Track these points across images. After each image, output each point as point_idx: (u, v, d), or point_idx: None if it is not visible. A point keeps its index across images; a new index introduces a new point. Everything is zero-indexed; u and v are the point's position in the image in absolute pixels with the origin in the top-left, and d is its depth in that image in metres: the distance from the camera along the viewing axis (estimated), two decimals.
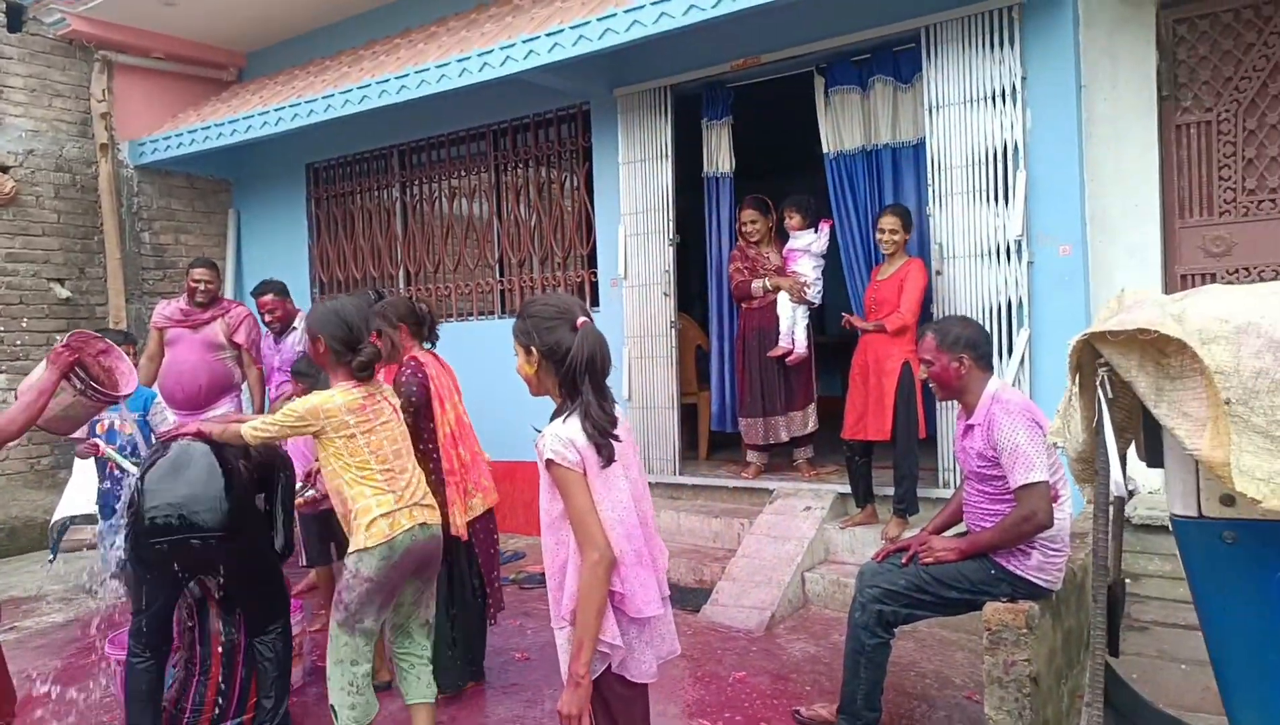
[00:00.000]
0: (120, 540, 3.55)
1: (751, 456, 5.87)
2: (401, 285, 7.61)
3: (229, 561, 3.46)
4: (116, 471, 4.39)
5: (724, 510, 5.67)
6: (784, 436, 5.68)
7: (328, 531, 4.40)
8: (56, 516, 5.72)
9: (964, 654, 4.14)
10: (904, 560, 3.31)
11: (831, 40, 5.33)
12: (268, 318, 5.73)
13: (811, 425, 5.71)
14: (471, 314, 7.18)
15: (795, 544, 4.95)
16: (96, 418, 4.68)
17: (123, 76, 7.77)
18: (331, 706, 3.04)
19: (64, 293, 7.47)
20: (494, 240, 7.08)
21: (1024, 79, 4.73)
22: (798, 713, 3.58)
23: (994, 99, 4.80)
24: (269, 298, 5.65)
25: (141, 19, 7.44)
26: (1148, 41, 4.62)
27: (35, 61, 7.34)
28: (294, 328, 5.76)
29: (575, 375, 2.25)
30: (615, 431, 2.27)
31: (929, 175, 5.01)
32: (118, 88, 7.74)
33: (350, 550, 3.03)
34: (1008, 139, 4.77)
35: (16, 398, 3.25)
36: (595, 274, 6.48)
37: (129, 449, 4.58)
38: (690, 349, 6.74)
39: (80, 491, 5.60)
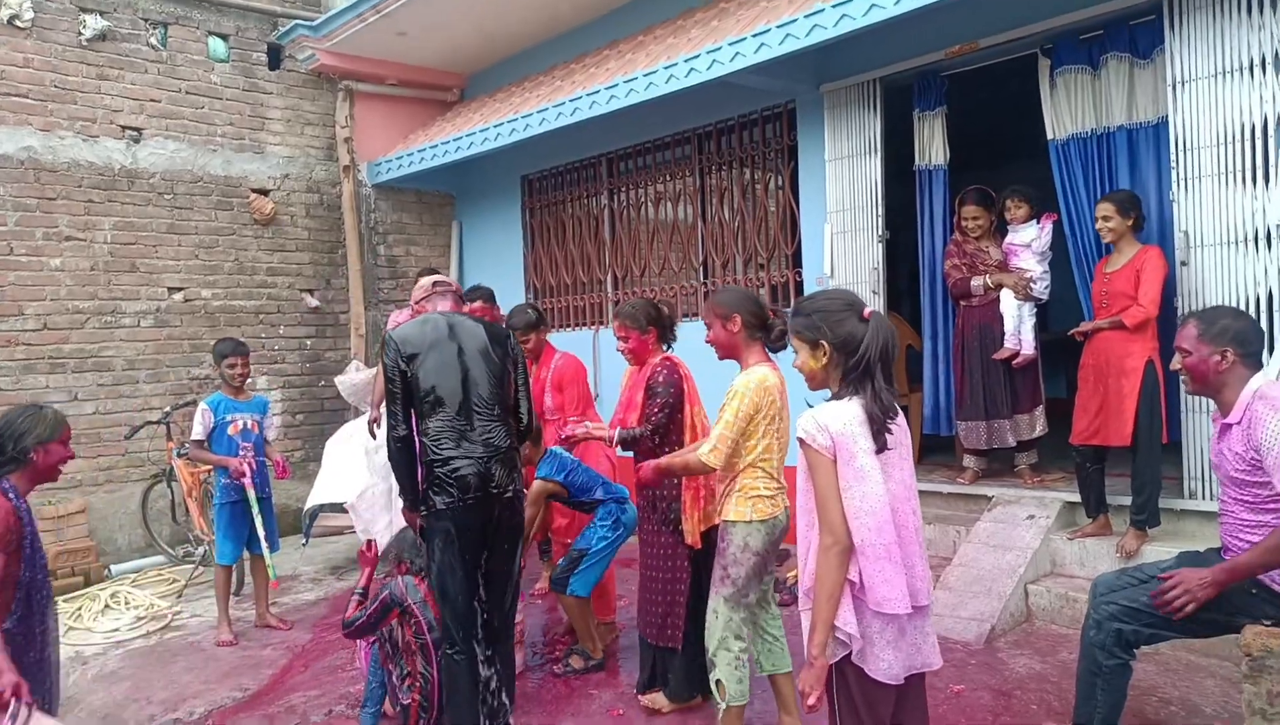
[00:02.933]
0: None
1: (968, 461, 5.60)
2: (609, 289, 7.85)
3: (512, 527, 3.60)
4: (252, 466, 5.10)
5: (937, 517, 5.43)
6: (1010, 441, 5.38)
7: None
8: (308, 504, 6.33)
9: (1215, 681, 3.76)
10: (1156, 604, 2.95)
11: (1057, 19, 5.00)
12: None
13: (1040, 429, 5.37)
14: (676, 316, 7.29)
15: (1017, 554, 4.67)
16: (230, 420, 5.17)
17: (362, 103, 8.51)
18: (718, 681, 3.21)
19: (313, 302, 8.27)
20: (698, 242, 7.16)
21: None
22: None
23: (1250, 69, 4.32)
24: (478, 305, 5.61)
25: (378, 50, 8.12)
26: None
27: (290, 95, 8.18)
28: None
29: (869, 364, 2.27)
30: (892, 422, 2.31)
31: (1172, 157, 4.58)
32: (358, 114, 8.49)
33: (732, 519, 3.16)
34: (1268, 113, 4.28)
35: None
36: (800, 273, 6.41)
37: (258, 447, 5.29)
38: (901, 349, 6.52)
39: (329, 483, 6.17)
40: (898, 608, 2.24)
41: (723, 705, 3.19)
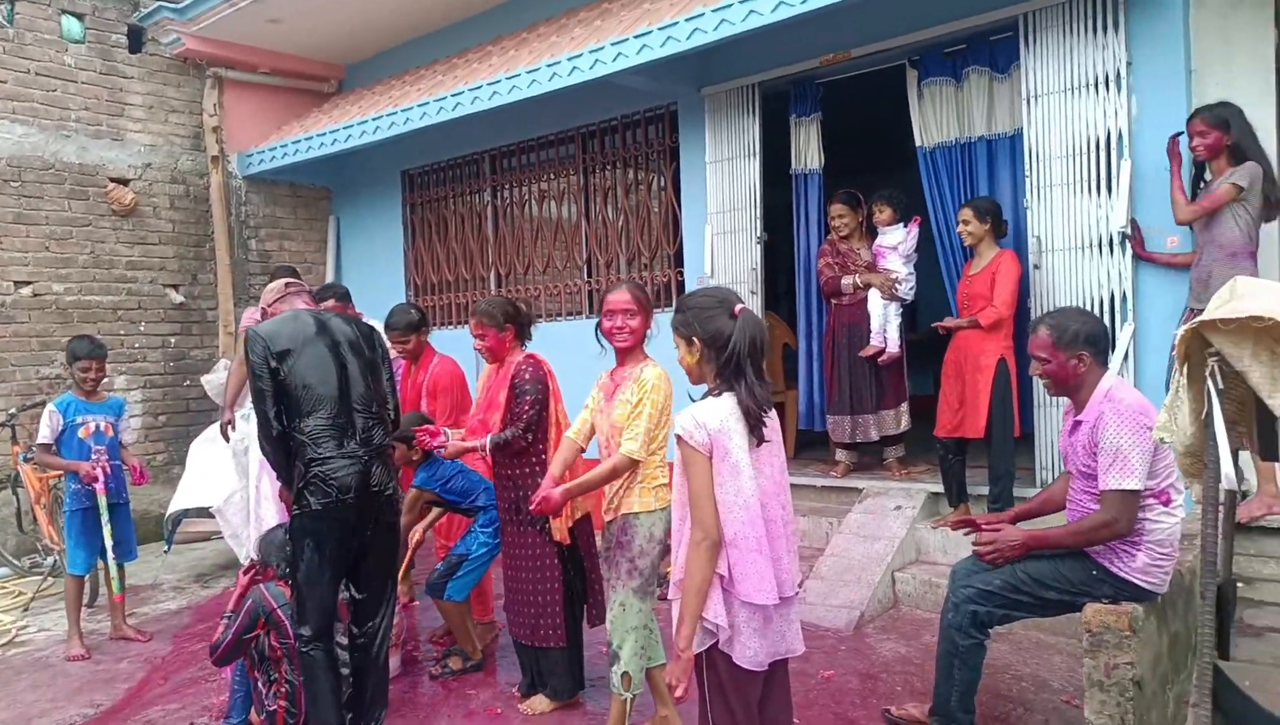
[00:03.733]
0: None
1: (840, 455, 5.79)
2: (492, 287, 7.77)
3: (391, 526, 3.55)
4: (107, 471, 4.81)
5: (811, 509, 5.60)
6: (873, 435, 5.58)
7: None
8: (171, 509, 6.05)
9: (1062, 657, 4.01)
10: (975, 544, 3.25)
11: (924, 32, 5.24)
12: None
13: (904, 425, 5.59)
14: (560, 314, 7.28)
15: (885, 543, 4.86)
16: (81, 422, 4.90)
17: (232, 91, 8.16)
18: (624, 674, 3.20)
19: (178, 298, 7.87)
20: (582, 241, 7.16)
21: (1129, 64, 4.55)
22: (888, 712, 3.52)
23: (1096, 86, 4.63)
24: (331, 303, 5.18)
25: (249, 36, 7.80)
26: (1265, 22, 4.38)
27: (153, 80, 7.76)
28: None
29: (738, 360, 2.34)
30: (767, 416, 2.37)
31: (1026, 167, 4.87)
32: (227, 102, 8.13)
33: (636, 511, 3.19)
34: (1110, 127, 4.60)
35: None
36: (681, 273, 6.50)
37: (113, 450, 4.98)
38: (778, 347, 6.69)
39: (194, 486, 5.90)
40: (766, 599, 2.31)
41: (628, 696, 3.20)
